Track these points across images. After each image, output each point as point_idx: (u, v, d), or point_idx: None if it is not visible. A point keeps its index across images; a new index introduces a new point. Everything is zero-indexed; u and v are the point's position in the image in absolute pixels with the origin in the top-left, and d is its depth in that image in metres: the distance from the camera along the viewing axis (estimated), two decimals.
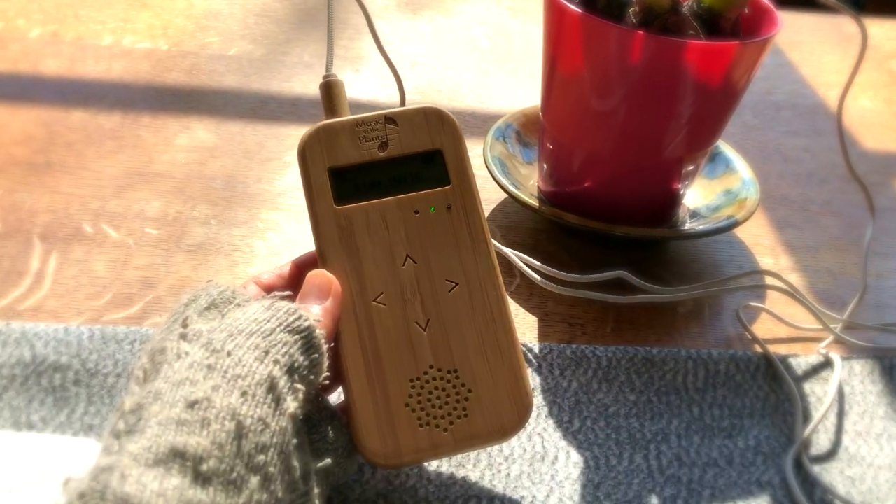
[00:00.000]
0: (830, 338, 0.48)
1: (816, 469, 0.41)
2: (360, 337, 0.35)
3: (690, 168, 0.53)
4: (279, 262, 0.40)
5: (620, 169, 0.52)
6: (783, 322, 0.49)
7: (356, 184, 0.37)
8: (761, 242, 0.57)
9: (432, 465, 0.39)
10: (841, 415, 0.44)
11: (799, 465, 0.41)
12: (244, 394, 0.28)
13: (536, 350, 0.46)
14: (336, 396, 0.37)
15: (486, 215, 0.56)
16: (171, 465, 0.25)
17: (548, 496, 0.38)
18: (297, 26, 0.80)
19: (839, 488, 0.40)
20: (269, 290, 0.36)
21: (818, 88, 0.78)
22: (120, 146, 0.59)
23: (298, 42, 0.77)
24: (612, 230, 0.51)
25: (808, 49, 0.86)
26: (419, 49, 0.78)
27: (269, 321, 0.31)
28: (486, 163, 0.55)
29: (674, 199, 0.54)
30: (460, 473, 0.38)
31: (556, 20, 0.50)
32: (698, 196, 0.57)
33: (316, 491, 0.30)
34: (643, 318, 0.49)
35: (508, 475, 0.39)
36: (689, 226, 0.54)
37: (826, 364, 0.47)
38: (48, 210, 0.52)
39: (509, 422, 0.35)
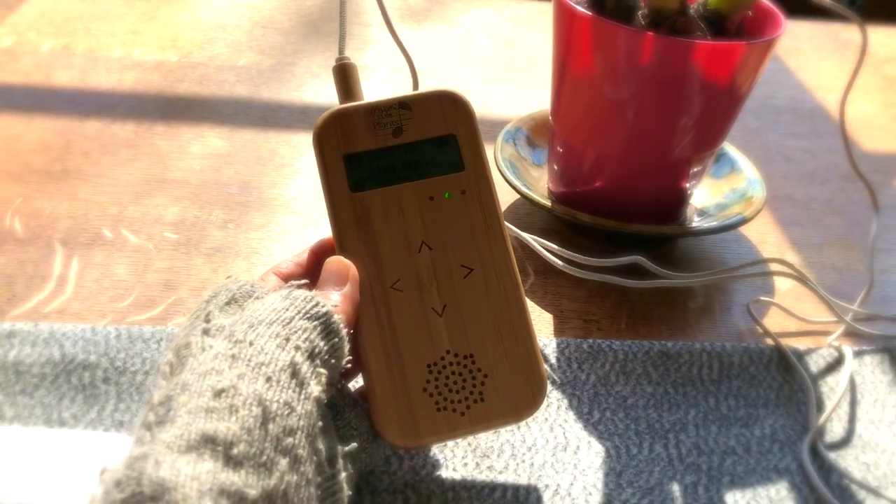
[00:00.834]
0: (840, 329, 0.49)
1: (832, 455, 0.42)
2: (379, 323, 0.36)
3: (698, 168, 0.54)
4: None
5: (630, 169, 0.53)
6: (793, 315, 0.50)
7: (371, 170, 0.38)
8: (767, 240, 0.58)
9: (458, 456, 0.39)
10: (853, 404, 0.45)
11: (815, 452, 0.42)
12: (268, 380, 0.29)
13: (554, 345, 0.46)
14: (356, 383, 0.38)
15: None
16: (203, 450, 0.26)
17: (572, 484, 0.38)
18: (304, 37, 0.81)
19: (855, 473, 0.41)
20: (287, 279, 0.37)
21: (816, 93, 0.80)
22: (135, 154, 0.60)
23: (305, 53, 0.78)
24: (625, 227, 0.52)
25: (805, 55, 0.88)
26: (424, 59, 0.79)
27: (287, 309, 0.32)
28: (497, 164, 0.56)
29: (682, 198, 0.55)
30: (485, 463, 0.39)
31: (566, 23, 0.51)
32: (706, 195, 0.58)
33: (343, 475, 0.31)
34: (656, 313, 0.50)
35: (532, 464, 0.39)
36: (698, 223, 0.55)
37: (837, 355, 0.48)
38: (68, 216, 0.53)
39: (524, 404, 0.36)
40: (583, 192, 0.55)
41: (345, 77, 0.42)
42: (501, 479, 0.38)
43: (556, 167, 0.57)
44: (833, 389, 0.46)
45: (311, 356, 0.31)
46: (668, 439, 0.42)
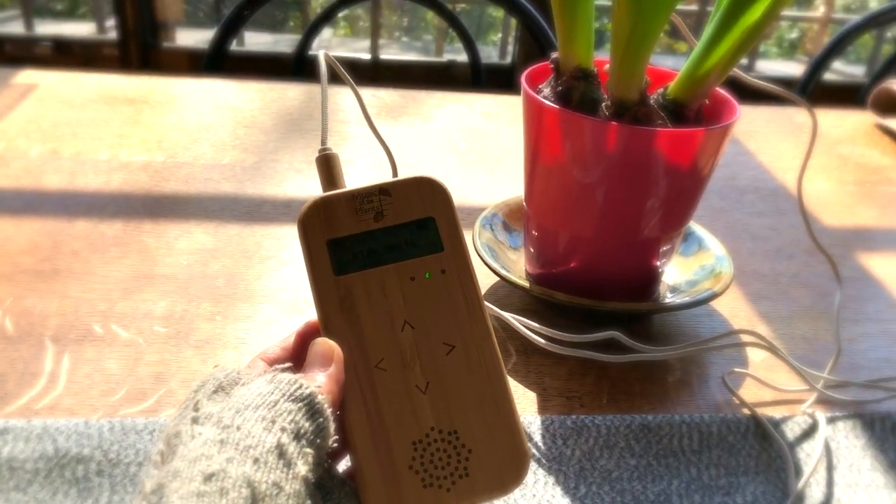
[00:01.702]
0: (813, 397, 0.51)
1: None
2: (364, 402, 0.37)
3: (667, 246, 0.56)
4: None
5: (603, 249, 0.55)
6: (767, 385, 0.52)
7: (354, 253, 0.40)
8: (738, 314, 0.60)
9: None
10: (830, 469, 0.46)
11: None
12: (256, 461, 0.30)
13: (539, 423, 0.48)
14: (343, 464, 0.39)
15: None
16: None
17: None
18: (285, 135, 0.85)
19: None
20: (273, 363, 0.38)
21: (777, 173, 0.84)
22: (124, 252, 0.62)
23: (287, 150, 0.81)
24: (601, 305, 0.54)
25: (763, 138, 0.92)
26: (401, 152, 0.82)
27: (272, 393, 0.33)
28: (475, 249, 0.58)
29: (654, 276, 0.57)
30: None
31: (536, 116, 0.54)
32: (676, 272, 0.61)
33: None
34: (636, 387, 0.52)
35: None
36: (670, 299, 0.57)
37: (811, 422, 0.49)
38: (58, 314, 0.54)
39: (509, 477, 0.37)
40: (559, 272, 0.57)
41: (327, 166, 0.44)
42: None
43: (531, 249, 0.59)
44: (810, 455, 0.47)
45: (297, 436, 0.32)
46: None
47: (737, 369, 0.53)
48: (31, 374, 0.49)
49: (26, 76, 0.94)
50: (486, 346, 0.39)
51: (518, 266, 0.61)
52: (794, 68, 3.05)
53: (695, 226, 0.64)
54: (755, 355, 0.55)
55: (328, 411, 0.34)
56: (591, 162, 0.52)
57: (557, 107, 0.52)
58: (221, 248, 0.63)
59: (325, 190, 0.42)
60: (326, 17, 1.28)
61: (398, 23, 3.35)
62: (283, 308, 0.57)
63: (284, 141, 0.83)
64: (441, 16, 1.29)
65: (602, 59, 0.57)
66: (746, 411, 0.50)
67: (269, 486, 0.29)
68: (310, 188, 0.73)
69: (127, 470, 0.41)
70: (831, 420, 0.50)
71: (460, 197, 0.75)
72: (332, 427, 0.34)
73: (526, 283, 0.55)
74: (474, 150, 0.85)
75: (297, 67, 1.29)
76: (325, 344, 0.37)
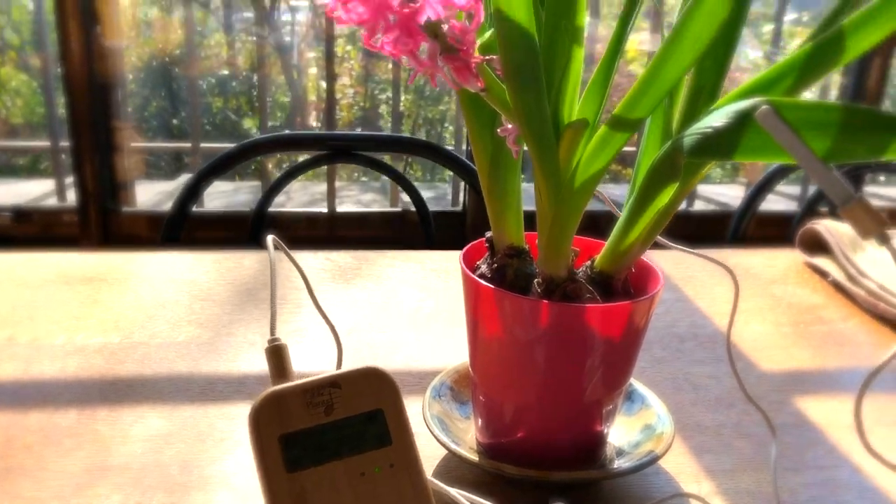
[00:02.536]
0: None
1: None
2: None
3: (610, 407, 0.59)
4: None
5: (547, 417, 0.57)
6: None
7: (306, 448, 0.41)
8: (684, 471, 0.62)
9: None
10: None
11: None
12: None
13: None
14: None
15: (431, 472, 0.60)
16: None
17: None
18: (240, 307, 0.87)
19: None
20: None
21: (714, 318, 0.88)
22: (78, 443, 0.62)
23: (242, 322, 0.83)
24: (548, 477, 0.55)
25: (699, 283, 0.97)
26: (355, 316, 0.85)
27: None
28: (425, 422, 0.60)
29: (600, 440, 0.59)
30: None
31: (473, 294, 0.58)
32: (622, 433, 0.63)
33: None
34: None
35: None
36: (616, 464, 0.59)
37: None
38: None
39: None
40: (508, 441, 0.59)
41: (277, 357, 0.47)
42: None
43: (480, 419, 0.61)
44: None
45: None
46: None
47: None
48: None
49: None
50: None
51: (469, 436, 0.62)
52: (737, 191, 3.19)
53: (636, 383, 0.66)
54: None
55: None
56: (527, 337, 0.55)
57: (492, 286, 0.55)
58: (176, 433, 0.64)
59: (274, 381, 0.45)
60: (285, 180, 1.33)
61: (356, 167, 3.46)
62: (237, 495, 0.57)
63: (239, 313, 0.85)
64: (394, 180, 1.35)
65: (534, 233, 0.61)
66: None
67: None
68: (263, 364, 0.75)
69: None
70: None
71: (412, 360, 0.77)
72: None
73: (475, 457, 0.57)
74: (425, 309, 0.88)
75: (257, 225, 1.33)
76: None
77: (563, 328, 0.54)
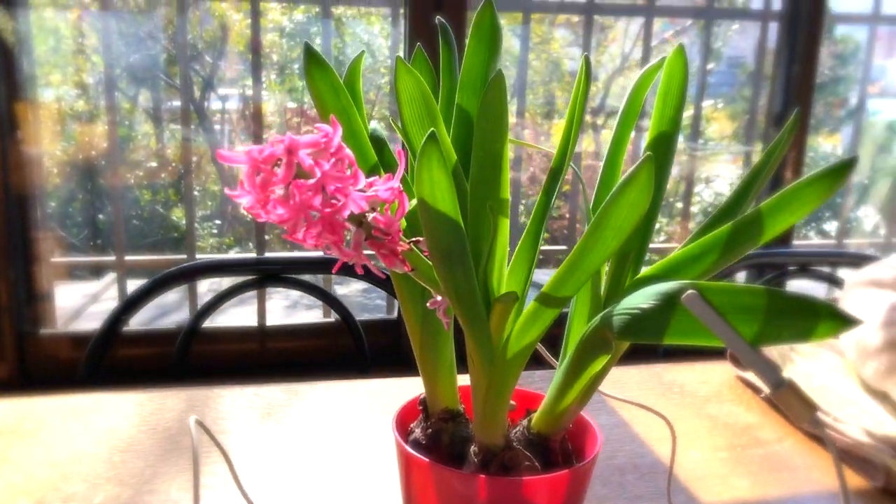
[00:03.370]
0: None
1: None
2: None
3: None
4: None
5: None
6: None
7: None
8: None
9: None
10: None
11: None
12: None
13: None
14: None
15: None
16: None
17: None
18: (162, 458, 0.82)
19: None
20: None
21: (652, 444, 0.87)
22: None
23: (165, 476, 0.79)
24: None
25: (634, 398, 0.97)
26: (286, 459, 0.81)
27: None
28: None
29: None
30: None
31: (406, 464, 0.56)
32: None
33: None
34: None
35: None
36: None
37: None
38: None
39: None
40: None
41: None
42: None
43: None
44: None
45: None
46: None
47: None
48: None
49: None
50: None
51: None
52: None
53: None
54: None
55: None
56: None
57: (427, 460, 0.53)
58: None
59: None
60: (213, 306, 1.30)
61: None
62: None
63: (162, 465, 0.81)
64: (324, 301, 1.33)
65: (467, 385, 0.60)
66: None
67: None
68: None
69: None
70: None
71: None
72: None
73: None
74: (359, 449, 0.85)
75: (185, 344, 1.28)
76: None
77: (502, 502, 0.52)
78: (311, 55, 0.50)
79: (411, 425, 0.60)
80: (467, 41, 0.52)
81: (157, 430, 0.88)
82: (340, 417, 0.93)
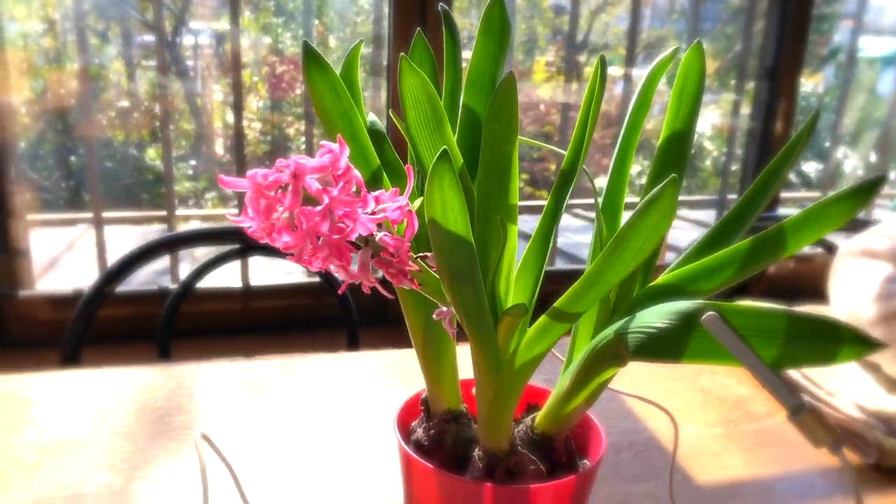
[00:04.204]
0: None
1: None
2: None
3: None
4: None
5: None
6: None
7: None
8: None
9: None
10: None
11: None
12: None
13: None
14: None
15: None
16: None
17: None
18: (153, 440, 0.81)
19: None
20: None
21: (647, 421, 0.87)
22: None
23: (158, 460, 0.78)
24: None
25: (629, 374, 0.97)
26: (279, 432, 0.80)
27: None
28: None
29: None
30: None
31: (409, 469, 0.55)
32: None
33: None
34: None
35: None
36: None
37: None
38: None
39: None
40: None
41: None
42: None
43: None
44: None
45: None
46: None
47: None
48: None
49: None
50: None
51: None
52: None
53: None
54: None
55: None
56: None
57: (431, 466, 0.52)
58: None
59: None
60: (196, 278, 1.27)
61: None
62: None
63: (153, 448, 0.80)
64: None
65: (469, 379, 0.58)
66: None
67: None
68: None
69: None
70: None
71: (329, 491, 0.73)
72: None
73: None
74: (354, 427, 0.84)
75: (171, 315, 1.26)
76: None
77: None
78: (310, 55, 0.47)
79: (412, 424, 0.59)
80: (475, 36, 0.49)
81: (146, 409, 0.87)
82: (331, 392, 0.92)
